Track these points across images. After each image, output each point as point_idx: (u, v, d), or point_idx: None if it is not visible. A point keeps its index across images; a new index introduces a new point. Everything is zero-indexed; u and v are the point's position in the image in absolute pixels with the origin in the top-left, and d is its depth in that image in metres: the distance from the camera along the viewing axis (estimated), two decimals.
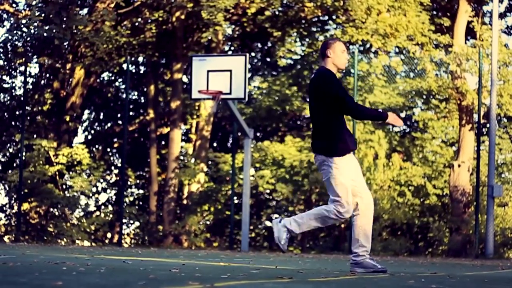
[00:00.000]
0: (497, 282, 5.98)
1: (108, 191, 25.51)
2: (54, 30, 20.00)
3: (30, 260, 7.15)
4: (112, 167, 26.51)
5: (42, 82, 23.30)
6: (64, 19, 20.40)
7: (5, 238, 20.65)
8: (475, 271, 8.56)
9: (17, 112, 22.82)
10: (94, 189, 23.42)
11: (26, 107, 21.79)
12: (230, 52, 24.86)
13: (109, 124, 27.34)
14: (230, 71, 16.19)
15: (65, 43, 21.44)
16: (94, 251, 12.36)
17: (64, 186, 21.77)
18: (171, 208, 22.86)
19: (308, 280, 5.25)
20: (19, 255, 8.82)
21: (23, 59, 20.90)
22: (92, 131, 27.09)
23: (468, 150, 19.26)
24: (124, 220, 22.22)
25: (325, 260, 11.88)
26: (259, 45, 25.97)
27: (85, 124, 26.72)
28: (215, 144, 26.64)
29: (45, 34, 20.05)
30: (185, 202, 23.72)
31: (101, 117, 27.30)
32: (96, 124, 27.31)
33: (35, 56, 21.86)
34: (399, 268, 8.93)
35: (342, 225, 23.45)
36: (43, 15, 20.41)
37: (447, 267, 10.16)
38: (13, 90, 22.94)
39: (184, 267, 6.76)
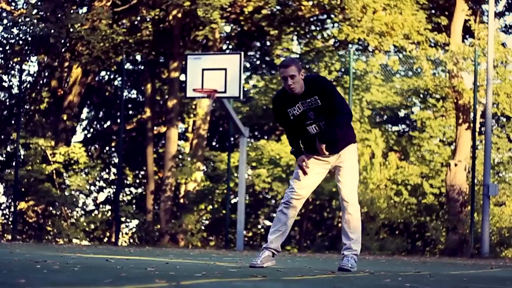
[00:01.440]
0: (474, 281, 5.93)
1: (106, 190, 25.48)
2: (51, 29, 19.96)
3: (10, 259, 7.11)
4: (110, 166, 26.47)
5: (41, 81, 23.27)
6: (61, 17, 20.35)
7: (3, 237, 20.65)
8: (463, 270, 8.50)
9: (14, 111, 22.79)
10: (93, 188, 23.38)
11: (24, 106, 21.75)
12: (227, 51, 24.79)
13: (108, 123, 27.29)
14: (225, 69, 16.14)
15: (61, 41, 21.40)
16: (86, 250, 12.33)
17: (62, 186, 21.75)
18: (167, 207, 22.81)
19: (281, 278, 5.20)
20: (5, 254, 8.78)
21: (19, 57, 20.87)
22: (91, 130, 27.06)
23: (465, 149, 19.19)
24: (122, 219, 22.18)
25: (317, 259, 11.82)
26: (257, 43, 25.91)
27: (84, 123, 26.70)
28: (212, 143, 26.59)
29: (41, 33, 20.01)
30: (182, 201, 23.67)
31: (100, 115, 27.26)
32: (95, 122, 27.27)
33: (32, 55, 21.82)
34: (386, 267, 8.86)
35: (340, 224, 23.40)
36: (40, 13, 20.37)
37: (437, 266, 10.11)
38: (11, 89, 22.92)
39: (164, 266, 6.71)
